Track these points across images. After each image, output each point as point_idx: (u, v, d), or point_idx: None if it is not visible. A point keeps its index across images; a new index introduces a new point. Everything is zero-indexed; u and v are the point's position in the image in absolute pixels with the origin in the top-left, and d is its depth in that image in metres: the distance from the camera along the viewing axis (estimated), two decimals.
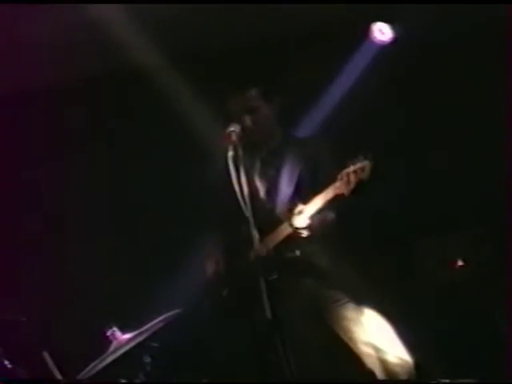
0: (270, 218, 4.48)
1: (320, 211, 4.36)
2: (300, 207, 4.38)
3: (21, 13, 4.93)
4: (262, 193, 4.58)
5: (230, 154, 4.15)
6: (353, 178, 4.25)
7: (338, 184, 4.30)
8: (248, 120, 4.49)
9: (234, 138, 4.15)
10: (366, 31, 5.40)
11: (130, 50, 5.30)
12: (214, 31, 5.38)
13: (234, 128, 4.16)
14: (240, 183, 4.10)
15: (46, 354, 4.45)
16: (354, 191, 4.27)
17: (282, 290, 4.25)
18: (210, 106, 5.17)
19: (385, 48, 5.39)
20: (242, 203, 4.07)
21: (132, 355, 4.46)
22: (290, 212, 4.40)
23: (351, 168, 4.27)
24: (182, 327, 4.59)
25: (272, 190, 4.57)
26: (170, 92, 5.38)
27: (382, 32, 5.40)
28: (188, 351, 5.18)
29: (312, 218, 4.37)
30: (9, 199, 5.52)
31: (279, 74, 5.24)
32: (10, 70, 5.33)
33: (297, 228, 4.37)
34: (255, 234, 4.07)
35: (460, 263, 4.94)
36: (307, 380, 4.34)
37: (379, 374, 4.38)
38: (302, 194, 4.44)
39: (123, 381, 4.36)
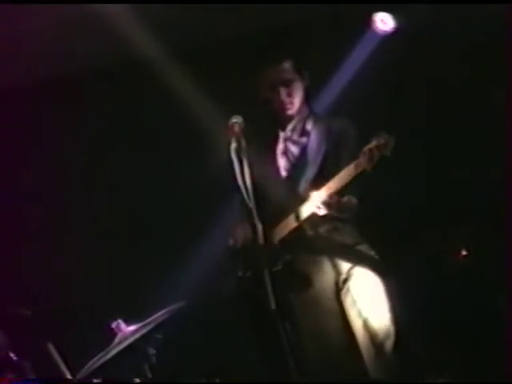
0: (292, 196, 4.44)
1: (343, 188, 4.29)
2: (323, 185, 4.32)
3: (21, 6, 4.94)
4: (284, 172, 4.54)
5: (233, 145, 4.11)
6: (376, 153, 4.22)
7: (360, 160, 4.25)
8: (284, 92, 4.47)
9: (236, 129, 4.12)
10: (367, 21, 5.37)
11: (132, 39, 5.32)
12: (219, 22, 5.42)
13: (237, 119, 4.13)
14: (243, 175, 4.07)
15: (50, 346, 4.48)
16: (375, 167, 4.21)
17: (299, 270, 4.34)
18: (213, 97, 5.20)
19: (387, 38, 5.38)
20: (245, 195, 4.05)
21: (137, 347, 4.49)
22: (313, 190, 4.35)
23: (374, 143, 4.24)
24: (186, 319, 4.64)
25: (296, 168, 4.53)
26: (170, 84, 5.39)
27: (384, 22, 5.38)
28: (191, 344, 5.22)
29: (335, 196, 4.30)
30: (12, 190, 5.55)
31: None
32: (9, 64, 5.34)
33: (318, 206, 4.31)
34: (259, 226, 4.03)
35: (464, 253, 4.98)
36: (308, 380, 4.31)
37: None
38: (326, 173, 4.38)
39: (137, 380, 4.39)
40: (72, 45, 5.36)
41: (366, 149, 4.24)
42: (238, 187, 4.10)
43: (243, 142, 4.10)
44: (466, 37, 5.27)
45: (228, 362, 5.18)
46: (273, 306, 3.97)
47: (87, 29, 5.20)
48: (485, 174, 5.24)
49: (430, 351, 4.71)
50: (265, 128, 4.59)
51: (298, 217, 4.40)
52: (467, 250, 4.96)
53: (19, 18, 5.05)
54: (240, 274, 4.52)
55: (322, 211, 4.30)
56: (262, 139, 4.58)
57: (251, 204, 4.04)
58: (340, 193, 4.30)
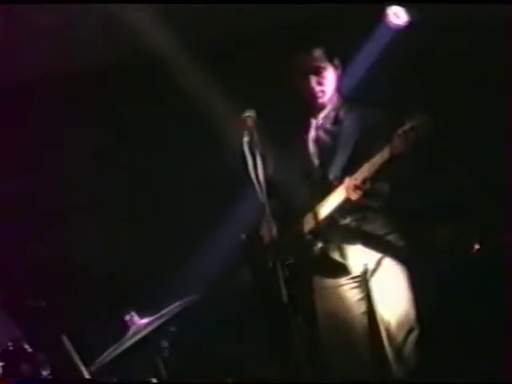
0: (323, 184, 4.43)
1: (377, 173, 4.24)
2: (356, 171, 4.28)
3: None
4: (315, 159, 4.52)
5: (246, 139, 4.15)
6: (411, 135, 4.14)
7: (395, 143, 4.18)
8: (314, 81, 4.47)
9: (249, 123, 4.15)
10: (381, 15, 5.33)
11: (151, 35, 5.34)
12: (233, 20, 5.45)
13: (250, 113, 4.17)
14: (256, 168, 4.10)
15: (65, 339, 4.52)
16: (411, 149, 4.14)
17: (330, 258, 4.36)
18: (227, 92, 5.25)
19: (400, 31, 5.34)
20: (257, 189, 4.08)
21: (150, 340, 4.57)
22: (345, 177, 4.33)
23: (408, 125, 4.16)
24: (199, 313, 4.71)
25: (327, 156, 4.50)
26: (186, 80, 5.43)
27: (398, 16, 5.34)
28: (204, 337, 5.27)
29: (368, 181, 4.27)
30: (25, 176, 5.58)
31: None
32: (25, 59, 5.38)
33: (351, 191, 4.28)
34: (271, 221, 4.07)
35: (477, 247, 5.01)
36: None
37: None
38: (356, 162, 4.34)
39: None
40: (86, 43, 5.39)
41: (400, 131, 4.17)
42: (251, 181, 4.12)
43: (256, 136, 4.12)
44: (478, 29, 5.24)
45: (240, 356, 5.21)
46: (285, 299, 3.99)
47: (101, 28, 5.25)
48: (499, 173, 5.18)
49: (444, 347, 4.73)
50: (296, 116, 4.56)
51: (329, 204, 4.37)
52: (480, 245, 5.00)
53: (32, 15, 5.05)
54: (252, 267, 4.53)
55: (355, 196, 4.26)
56: (292, 127, 4.56)
57: (263, 198, 4.05)
58: (374, 178, 4.24)
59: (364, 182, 4.24)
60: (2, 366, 4.26)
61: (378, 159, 4.22)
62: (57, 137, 5.68)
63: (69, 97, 5.64)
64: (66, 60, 5.52)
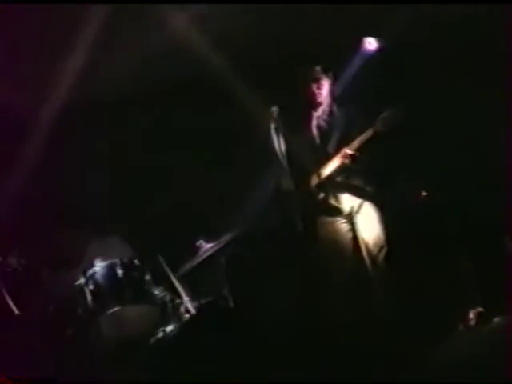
0: (323, 155, 5.63)
1: (362, 147, 5.37)
2: (348, 145, 5.41)
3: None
4: (318, 139, 5.76)
5: (272, 126, 5.37)
6: (389, 120, 5.24)
7: (377, 125, 5.27)
8: (314, 87, 5.67)
9: (275, 115, 5.35)
10: (359, 43, 6.31)
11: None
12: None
13: (275, 109, 5.36)
14: (280, 145, 5.34)
15: (160, 257, 5.97)
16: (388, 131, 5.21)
17: (329, 204, 5.54)
18: (260, 95, 6.20)
19: (373, 55, 6.28)
20: (281, 158, 5.37)
21: (213, 257, 5.91)
22: (340, 150, 5.50)
23: (386, 113, 5.25)
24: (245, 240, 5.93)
25: (325, 137, 5.71)
26: (233, 90, 6.40)
27: (371, 44, 6.27)
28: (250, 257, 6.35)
29: (357, 151, 5.38)
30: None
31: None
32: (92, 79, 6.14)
33: (346, 158, 5.43)
34: (290, 181, 5.37)
35: (424, 194, 5.91)
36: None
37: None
38: (345, 140, 5.52)
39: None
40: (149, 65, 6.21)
41: (381, 117, 5.27)
42: (277, 153, 5.37)
43: (279, 124, 5.36)
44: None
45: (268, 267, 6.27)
46: (301, 229, 5.42)
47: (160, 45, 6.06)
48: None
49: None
50: (304, 110, 5.73)
51: (328, 168, 5.57)
52: (426, 192, 5.89)
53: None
54: (278, 210, 5.91)
55: (348, 161, 5.46)
56: (302, 118, 5.75)
57: (285, 164, 5.38)
58: (360, 149, 5.40)
59: (355, 152, 5.43)
60: (123, 273, 5.76)
61: (364, 136, 5.37)
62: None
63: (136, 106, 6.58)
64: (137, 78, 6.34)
